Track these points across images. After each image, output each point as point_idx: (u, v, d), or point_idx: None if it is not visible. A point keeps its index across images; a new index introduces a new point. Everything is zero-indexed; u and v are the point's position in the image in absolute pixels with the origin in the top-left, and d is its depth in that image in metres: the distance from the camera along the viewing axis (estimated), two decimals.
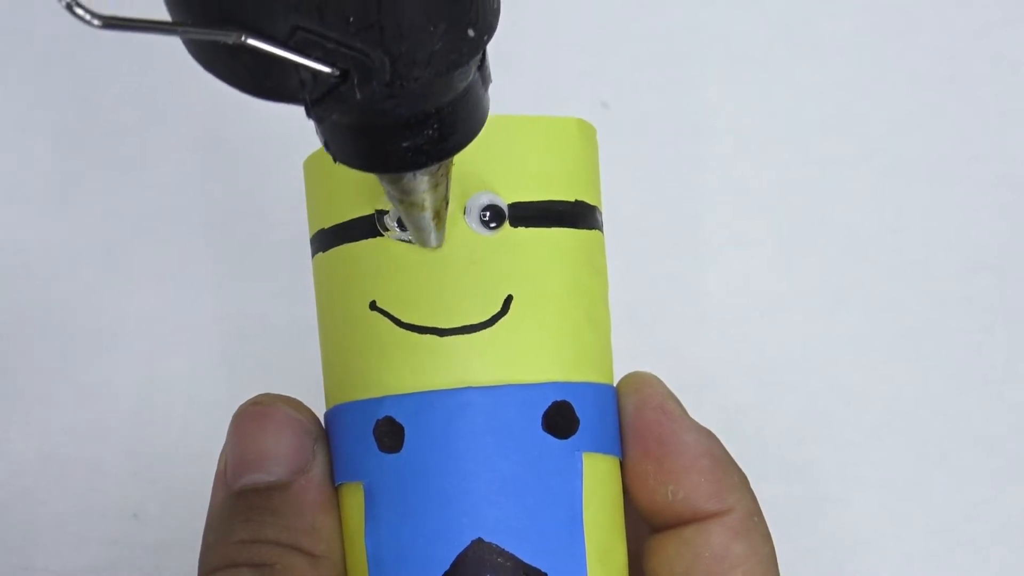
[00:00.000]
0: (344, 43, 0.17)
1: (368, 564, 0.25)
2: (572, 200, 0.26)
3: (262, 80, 0.18)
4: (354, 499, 0.25)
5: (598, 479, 0.25)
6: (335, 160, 0.20)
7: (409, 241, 0.25)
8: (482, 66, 0.20)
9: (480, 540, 0.24)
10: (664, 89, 0.44)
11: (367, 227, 0.25)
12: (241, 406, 0.26)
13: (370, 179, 0.25)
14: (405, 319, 0.25)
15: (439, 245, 0.24)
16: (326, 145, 0.20)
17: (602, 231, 0.27)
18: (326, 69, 0.17)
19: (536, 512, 0.24)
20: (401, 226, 0.25)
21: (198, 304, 0.42)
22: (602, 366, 0.26)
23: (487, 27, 0.18)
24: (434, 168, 0.21)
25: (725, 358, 0.42)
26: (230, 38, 0.17)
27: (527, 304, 0.25)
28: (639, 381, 0.27)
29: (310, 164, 0.27)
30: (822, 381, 0.42)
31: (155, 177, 0.43)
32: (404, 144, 0.19)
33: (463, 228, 0.25)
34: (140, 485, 0.40)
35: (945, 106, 0.45)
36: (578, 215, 0.26)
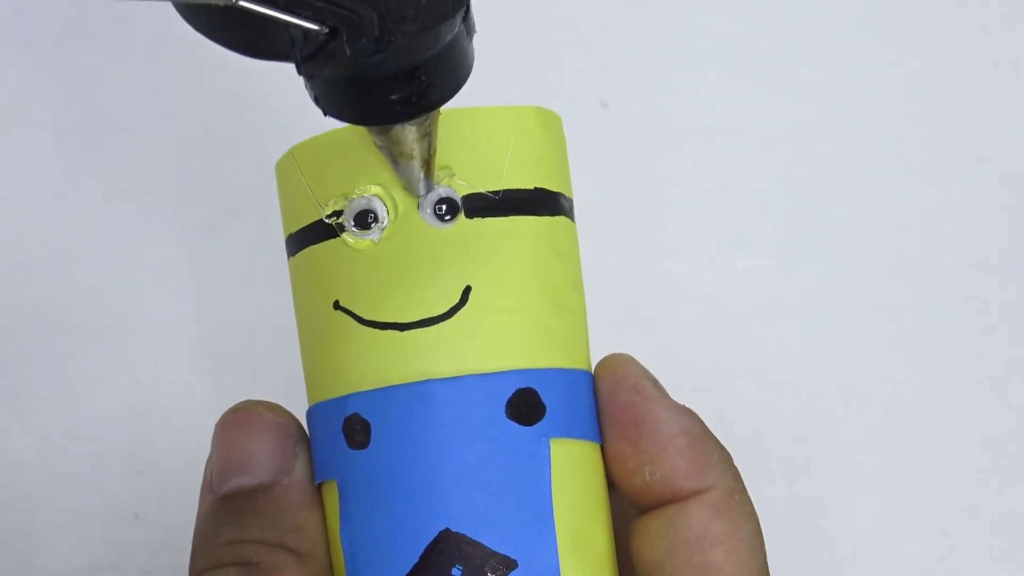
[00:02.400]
0: (333, 1, 0.17)
1: (344, 560, 0.25)
2: (531, 188, 0.26)
3: (254, 40, 0.18)
4: (331, 497, 0.26)
5: (569, 464, 0.25)
6: (325, 114, 0.20)
7: (371, 240, 0.25)
8: (466, 17, 0.20)
9: (448, 530, 0.24)
10: (664, 89, 0.44)
11: (327, 229, 0.25)
12: (223, 414, 0.27)
13: (326, 182, 0.25)
14: (367, 316, 0.25)
15: (428, 193, 0.25)
16: (316, 100, 0.20)
17: (570, 217, 0.27)
18: (316, 27, 0.18)
19: (503, 500, 0.24)
20: (357, 225, 0.25)
21: (199, 303, 0.42)
22: (573, 351, 0.26)
23: None
24: (422, 119, 0.21)
25: (725, 358, 0.42)
26: (222, 1, 0.17)
27: (486, 294, 0.25)
28: (614, 363, 0.27)
29: (280, 168, 0.27)
30: (822, 381, 0.42)
31: (156, 177, 0.43)
32: (392, 97, 0.20)
33: (418, 222, 0.25)
34: (140, 485, 0.40)
35: (945, 106, 0.45)
36: (538, 202, 0.26)
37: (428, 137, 0.22)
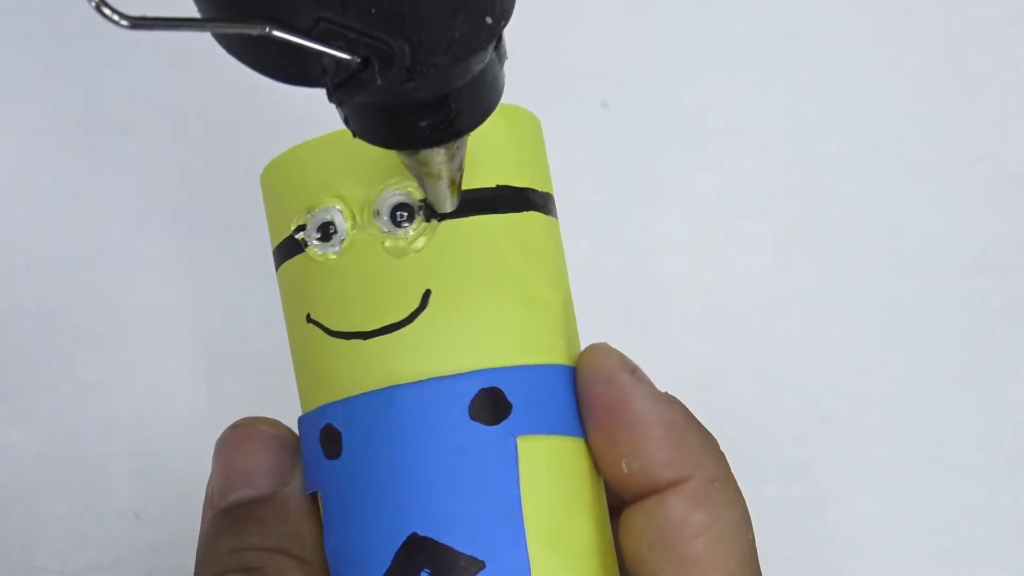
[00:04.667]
0: (365, 32, 0.18)
1: (330, 569, 0.25)
2: (492, 186, 0.26)
3: (287, 67, 0.18)
4: (318, 507, 0.26)
5: (540, 462, 0.25)
6: (354, 136, 0.21)
7: (332, 253, 0.25)
8: (498, 46, 0.20)
9: (415, 535, 0.24)
10: (664, 89, 0.44)
11: (296, 244, 0.26)
12: (222, 433, 0.27)
13: (291, 198, 0.26)
14: (333, 327, 0.25)
15: (454, 208, 0.25)
16: (346, 121, 0.21)
17: (544, 211, 0.27)
18: (347, 57, 0.18)
19: (470, 501, 0.24)
20: (320, 239, 0.25)
21: (200, 304, 0.42)
22: (546, 347, 0.26)
23: (504, 13, 0.19)
24: (450, 143, 0.21)
25: (725, 358, 0.42)
26: (255, 31, 0.17)
27: (447, 296, 0.25)
28: (588, 355, 0.26)
29: (261, 184, 0.27)
30: (822, 381, 0.42)
31: (156, 176, 0.43)
32: (422, 123, 0.20)
33: (375, 231, 0.25)
34: (141, 485, 0.40)
35: (946, 105, 0.45)
36: (502, 199, 0.26)
37: (456, 158, 0.22)
